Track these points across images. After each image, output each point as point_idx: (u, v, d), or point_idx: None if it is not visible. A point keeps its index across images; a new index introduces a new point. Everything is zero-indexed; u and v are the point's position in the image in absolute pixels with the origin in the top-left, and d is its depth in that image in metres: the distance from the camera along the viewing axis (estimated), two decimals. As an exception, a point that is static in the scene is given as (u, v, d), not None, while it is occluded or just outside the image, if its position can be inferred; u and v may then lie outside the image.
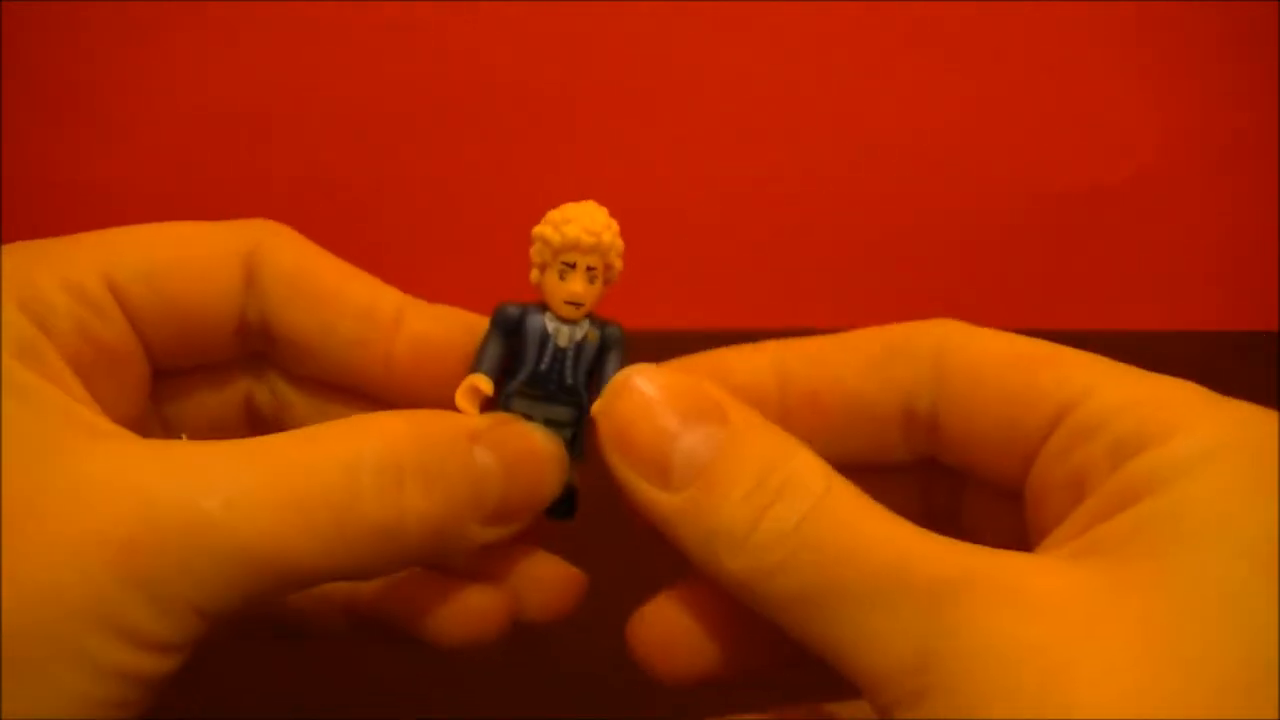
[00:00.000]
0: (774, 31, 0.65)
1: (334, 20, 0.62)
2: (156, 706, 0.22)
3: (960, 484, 0.27)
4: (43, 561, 0.20)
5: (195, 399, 0.29)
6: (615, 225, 0.26)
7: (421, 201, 0.66)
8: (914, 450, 0.27)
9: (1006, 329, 0.26)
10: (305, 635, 0.29)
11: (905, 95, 0.66)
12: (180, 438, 0.29)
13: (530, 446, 0.26)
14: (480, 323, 0.27)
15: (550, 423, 0.26)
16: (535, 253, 0.26)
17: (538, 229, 0.26)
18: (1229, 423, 0.21)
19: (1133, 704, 0.18)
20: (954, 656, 0.19)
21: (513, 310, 0.26)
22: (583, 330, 0.26)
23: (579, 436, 0.26)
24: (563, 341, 0.26)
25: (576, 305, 0.26)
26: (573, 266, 0.26)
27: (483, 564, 0.28)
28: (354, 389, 0.28)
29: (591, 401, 0.26)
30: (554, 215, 0.26)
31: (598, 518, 0.26)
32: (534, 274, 0.26)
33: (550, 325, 0.26)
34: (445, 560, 0.27)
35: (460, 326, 0.28)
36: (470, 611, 0.28)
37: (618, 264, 0.26)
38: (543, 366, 0.26)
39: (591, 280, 0.26)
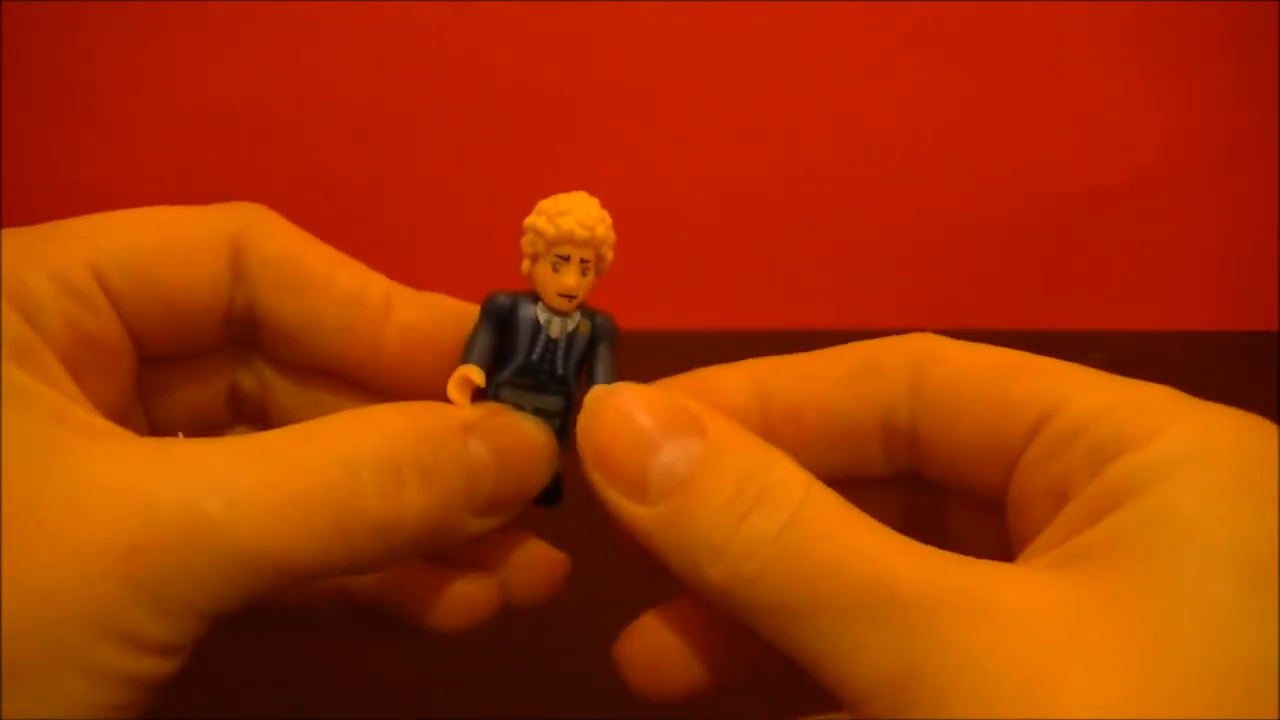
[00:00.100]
0: (774, 31, 0.65)
1: (334, 20, 0.62)
2: (156, 706, 0.22)
3: (943, 496, 0.27)
4: (43, 565, 0.20)
5: (180, 386, 0.29)
6: (608, 217, 0.26)
7: (421, 201, 0.66)
8: (895, 464, 0.27)
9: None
10: (297, 621, 0.29)
11: (905, 95, 0.66)
12: (173, 431, 0.29)
13: (522, 437, 0.26)
14: (468, 311, 0.27)
15: (539, 412, 0.26)
16: (527, 243, 0.26)
17: (529, 220, 0.26)
18: (1207, 425, 0.21)
19: (1116, 715, 0.18)
20: (937, 671, 0.19)
21: (504, 300, 0.26)
22: (574, 321, 0.26)
23: (567, 426, 0.26)
24: (555, 332, 0.26)
25: (569, 297, 0.26)
26: (566, 259, 0.26)
27: (470, 550, 0.28)
28: (340, 375, 0.28)
29: (581, 392, 0.26)
30: (546, 206, 0.26)
31: (588, 506, 0.26)
32: (525, 264, 0.26)
33: (542, 316, 0.26)
34: (437, 550, 0.27)
35: (448, 315, 0.28)
36: (459, 598, 0.28)
37: (609, 256, 0.26)
38: (534, 357, 0.26)
39: (584, 272, 0.26)
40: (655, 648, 0.26)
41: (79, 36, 0.62)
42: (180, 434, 0.29)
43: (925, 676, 0.19)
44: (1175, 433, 0.21)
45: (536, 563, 0.28)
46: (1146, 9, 0.65)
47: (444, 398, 0.26)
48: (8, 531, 0.20)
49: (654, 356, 0.27)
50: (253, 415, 0.30)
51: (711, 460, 0.23)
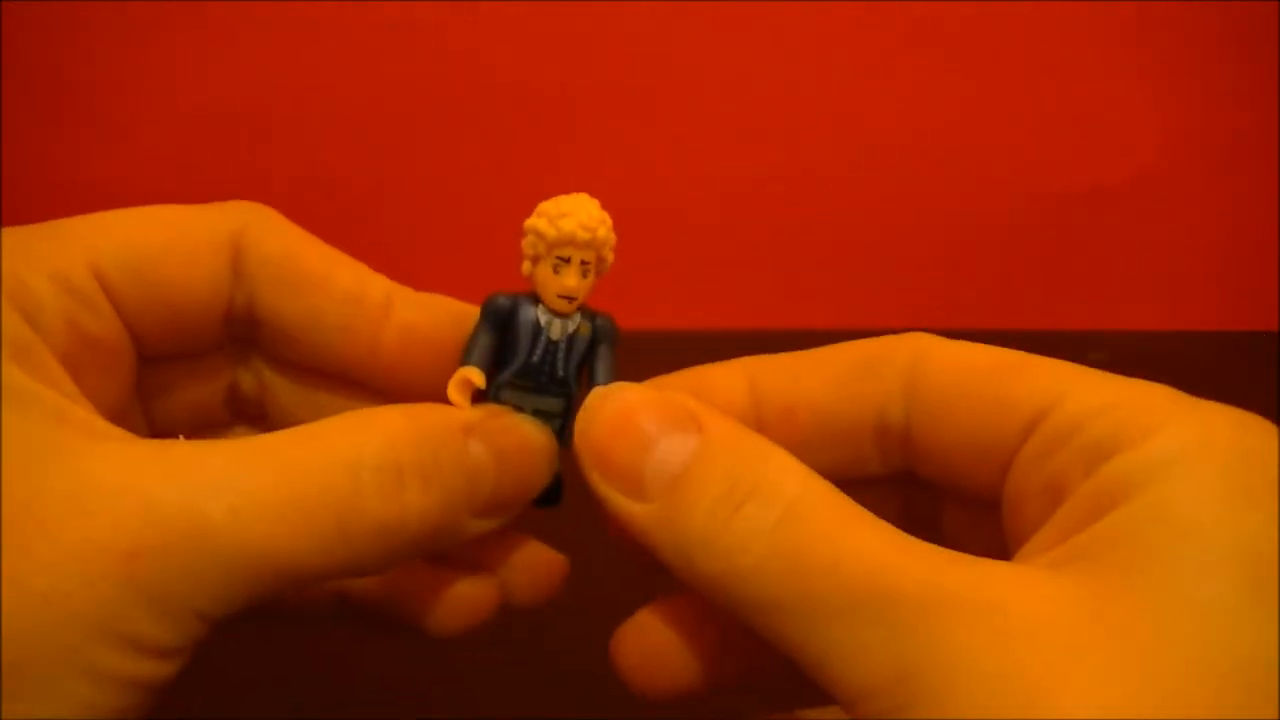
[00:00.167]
0: (774, 31, 0.65)
1: (334, 20, 0.62)
2: (156, 707, 0.22)
3: (937, 496, 0.27)
4: (43, 565, 0.20)
5: (180, 385, 0.29)
6: (609, 219, 0.26)
7: (421, 201, 0.66)
8: (889, 464, 0.27)
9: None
10: (295, 619, 0.29)
11: (905, 95, 0.66)
12: (172, 430, 0.29)
13: (522, 439, 0.26)
14: (468, 312, 0.27)
15: (539, 413, 0.26)
16: (528, 245, 0.26)
17: (530, 221, 0.26)
18: (1202, 424, 0.21)
19: (1115, 716, 0.18)
20: (934, 671, 0.19)
21: (504, 301, 0.26)
22: (575, 322, 0.26)
23: (567, 427, 0.26)
24: (555, 334, 0.26)
25: (570, 299, 0.26)
26: (567, 261, 0.26)
27: (470, 551, 0.28)
28: (340, 375, 0.28)
29: (581, 393, 0.26)
30: (547, 208, 0.26)
31: (587, 508, 0.26)
32: (526, 266, 0.26)
33: (543, 318, 0.26)
34: (437, 551, 0.27)
35: (448, 316, 0.28)
36: (459, 599, 0.28)
37: (610, 257, 0.26)
38: (535, 358, 0.26)
39: (585, 274, 0.26)
40: (651, 643, 0.26)
41: (79, 36, 0.62)
42: (181, 435, 0.29)
43: (922, 676, 0.19)
44: (1172, 431, 0.21)
45: (536, 564, 0.28)
46: (1146, 9, 0.65)
47: (443, 399, 0.26)
48: (7, 532, 0.20)
49: (652, 356, 0.27)
50: (252, 415, 0.30)
51: (707, 455, 0.23)
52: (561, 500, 0.28)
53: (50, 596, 0.20)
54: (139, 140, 0.64)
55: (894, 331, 0.27)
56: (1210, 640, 0.18)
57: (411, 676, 0.42)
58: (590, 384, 0.26)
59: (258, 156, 0.64)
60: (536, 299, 0.26)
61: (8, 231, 0.25)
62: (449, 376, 0.26)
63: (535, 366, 0.26)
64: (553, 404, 0.27)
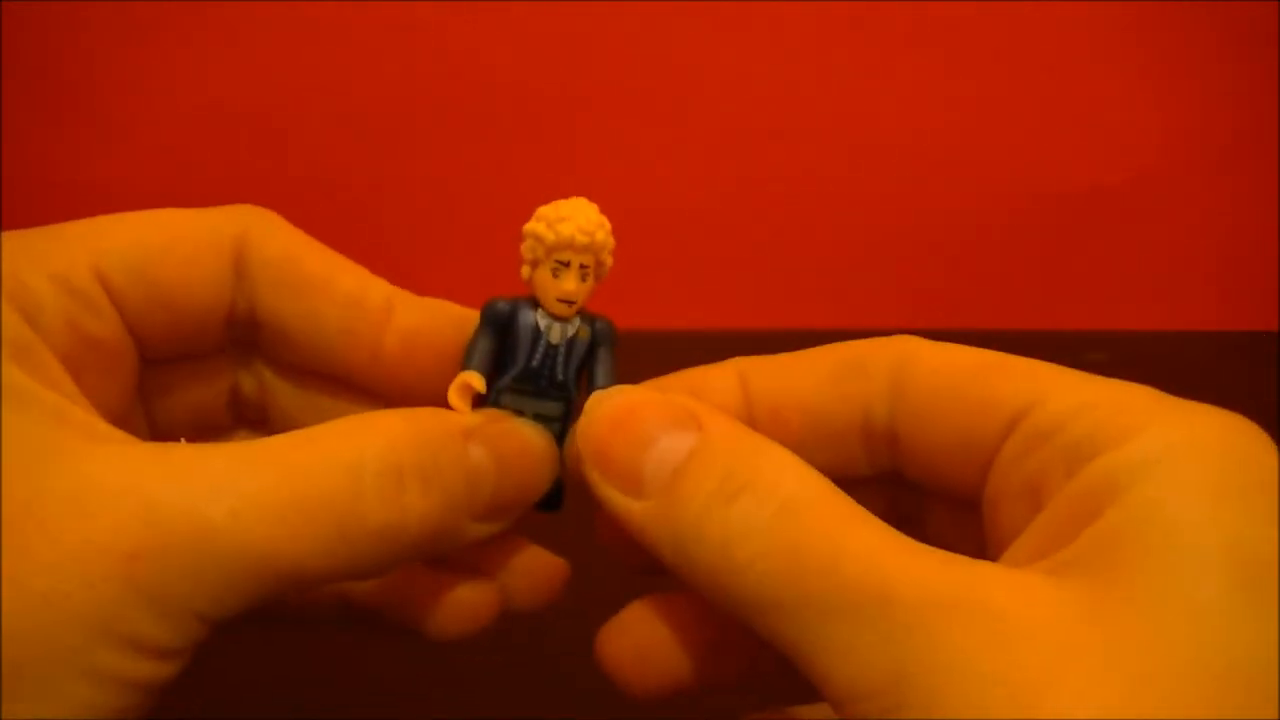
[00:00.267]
0: (774, 31, 0.65)
1: (334, 20, 0.63)
2: (156, 707, 0.22)
3: (924, 498, 0.27)
4: (43, 566, 0.20)
5: (181, 387, 0.29)
6: (607, 223, 0.26)
7: (421, 201, 0.66)
8: (876, 464, 0.27)
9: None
10: (296, 622, 0.29)
11: (905, 95, 0.66)
12: (174, 432, 0.29)
13: (522, 443, 0.26)
14: (468, 316, 0.27)
15: (539, 418, 0.26)
16: (527, 249, 0.26)
17: (530, 226, 0.26)
18: (1186, 424, 0.21)
19: (1110, 718, 0.18)
20: (928, 673, 0.19)
21: (503, 306, 0.26)
22: (574, 326, 0.26)
23: (567, 431, 0.26)
24: (555, 338, 0.26)
25: (569, 303, 0.26)
26: (566, 265, 0.26)
27: (470, 555, 0.28)
28: (340, 378, 0.28)
29: (581, 397, 0.26)
30: (546, 212, 0.26)
31: (588, 511, 0.26)
32: (525, 270, 0.26)
33: (542, 322, 0.26)
34: (437, 555, 0.27)
35: (449, 320, 0.28)
36: (460, 603, 0.28)
37: (609, 261, 0.26)
38: (535, 363, 0.26)
39: (584, 278, 0.26)
40: (635, 640, 0.26)
41: (79, 36, 0.62)
42: (182, 438, 0.29)
43: (916, 678, 0.19)
44: (1156, 431, 0.21)
45: (537, 568, 0.28)
46: (1146, 9, 0.65)
47: (444, 403, 0.26)
48: (7, 532, 0.20)
49: (650, 356, 0.27)
50: (253, 419, 0.30)
51: (705, 451, 0.23)
52: (563, 505, 0.28)
53: (50, 597, 0.20)
54: (139, 140, 0.64)
55: (895, 332, 0.27)
56: (1205, 641, 0.18)
57: (412, 679, 0.42)
58: (590, 387, 0.26)
59: (258, 157, 0.64)
60: (536, 303, 0.26)
61: (9, 234, 0.25)
62: (449, 381, 0.26)
63: (535, 371, 0.26)
64: (553, 408, 0.27)
